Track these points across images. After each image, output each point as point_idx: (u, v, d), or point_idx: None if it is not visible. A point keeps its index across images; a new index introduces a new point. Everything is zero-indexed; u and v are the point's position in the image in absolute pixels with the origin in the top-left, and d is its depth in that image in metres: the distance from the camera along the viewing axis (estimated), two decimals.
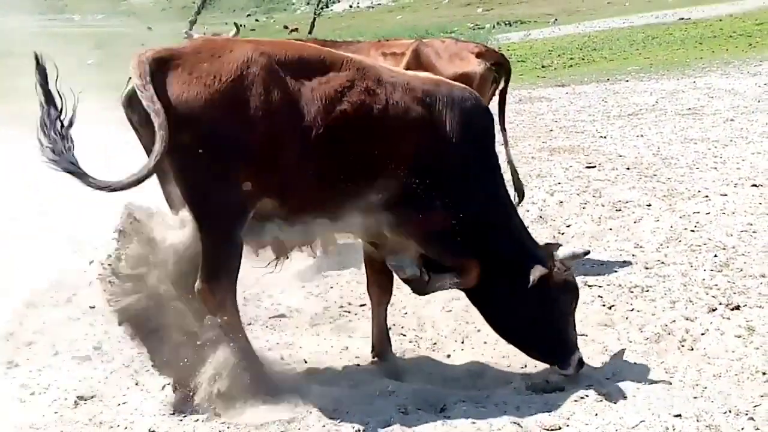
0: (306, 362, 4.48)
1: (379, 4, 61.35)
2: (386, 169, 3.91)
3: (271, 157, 3.69)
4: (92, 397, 4.11)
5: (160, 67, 3.64)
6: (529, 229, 4.36)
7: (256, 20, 56.75)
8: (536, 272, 4.03)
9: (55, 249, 6.32)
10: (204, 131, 3.60)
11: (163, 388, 4.11)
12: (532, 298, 4.07)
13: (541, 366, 4.32)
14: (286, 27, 41.27)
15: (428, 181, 3.96)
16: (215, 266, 3.80)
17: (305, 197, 3.87)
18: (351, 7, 56.66)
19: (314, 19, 34.74)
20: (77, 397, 4.09)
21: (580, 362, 4.14)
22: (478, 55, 6.33)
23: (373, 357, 4.51)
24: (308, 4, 57.72)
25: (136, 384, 4.23)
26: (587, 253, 4.27)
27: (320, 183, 3.84)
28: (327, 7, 35.90)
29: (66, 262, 5.96)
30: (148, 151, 3.66)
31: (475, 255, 4.09)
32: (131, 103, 3.71)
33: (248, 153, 3.65)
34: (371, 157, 3.88)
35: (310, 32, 31.00)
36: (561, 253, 4.12)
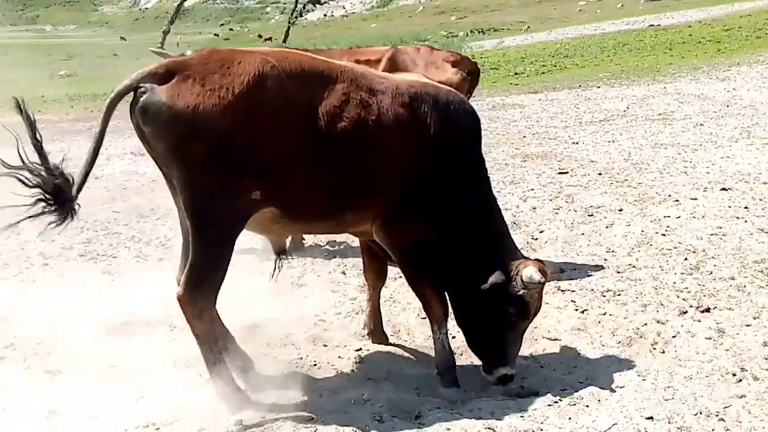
0: (281, 372, 4.47)
1: (353, 12, 61.55)
2: (381, 178, 4.01)
3: (279, 170, 3.78)
4: (64, 411, 4.05)
5: (168, 78, 3.69)
6: None
7: (231, 29, 56.66)
8: (492, 278, 4.05)
9: (26, 261, 6.27)
10: (217, 142, 3.66)
11: (136, 401, 4.09)
12: (484, 299, 4.10)
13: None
14: (260, 36, 41.24)
15: (417, 188, 4.04)
16: (202, 275, 3.83)
17: (306, 206, 3.98)
18: (325, 15, 56.74)
19: (288, 28, 34.68)
20: (49, 411, 4.04)
21: (506, 377, 4.15)
22: (454, 64, 6.35)
23: (366, 333, 4.85)
24: (282, 13, 57.79)
25: (109, 397, 4.19)
26: (544, 280, 4.06)
27: (323, 196, 3.94)
28: (301, 15, 35.81)
29: (36, 275, 5.91)
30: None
31: (451, 257, 4.16)
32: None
33: (259, 165, 3.73)
34: (368, 166, 3.97)
35: (284, 41, 30.99)
36: (524, 273, 4.02)
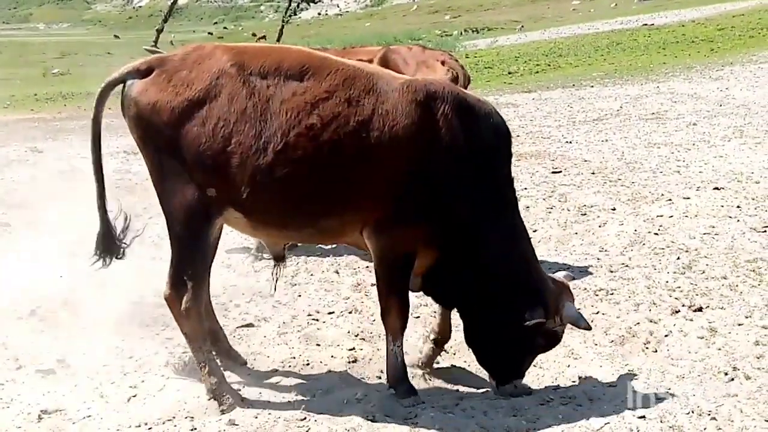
0: (274, 372, 4.47)
1: (348, 11, 61.54)
2: (370, 183, 3.73)
3: (231, 169, 3.68)
4: (56, 411, 4.04)
5: (147, 74, 3.77)
6: None
7: (225, 28, 56.61)
8: (535, 316, 3.87)
9: (18, 261, 6.24)
10: (173, 138, 3.69)
11: (128, 400, 4.08)
12: (516, 329, 3.91)
13: None
14: (254, 34, 41.11)
15: (419, 197, 3.75)
16: (182, 272, 3.84)
17: (270, 211, 3.82)
18: (319, 14, 56.73)
19: (282, 26, 34.69)
20: (41, 410, 4.02)
21: (515, 386, 4.07)
22: (444, 64, 6.36)
23: None
24: (276, 11, 57.71)
25: (101, 397, 4.17)
26: (589, 328, 4.05)
27: (286, 199, 3.74)
28: (295, 14, 35.82)
29: (28, 274, 5.88)
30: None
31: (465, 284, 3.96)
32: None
33: (209, 162, 3.69)
34: (351, 170, 3.71)
35: (278, 40, 30.95)
36: (567, 313, 3.93)
